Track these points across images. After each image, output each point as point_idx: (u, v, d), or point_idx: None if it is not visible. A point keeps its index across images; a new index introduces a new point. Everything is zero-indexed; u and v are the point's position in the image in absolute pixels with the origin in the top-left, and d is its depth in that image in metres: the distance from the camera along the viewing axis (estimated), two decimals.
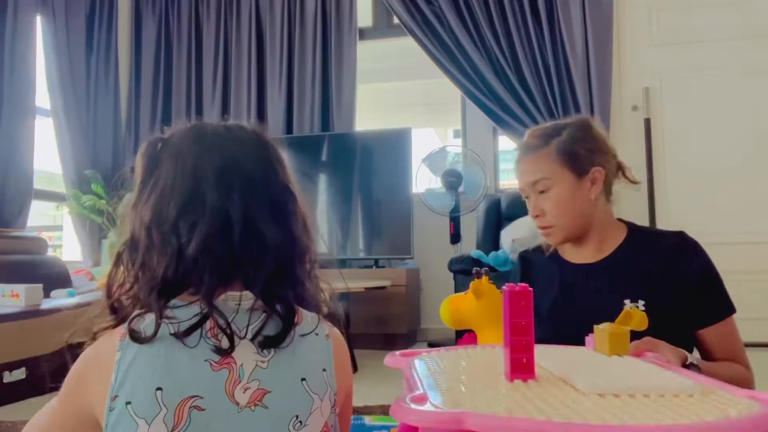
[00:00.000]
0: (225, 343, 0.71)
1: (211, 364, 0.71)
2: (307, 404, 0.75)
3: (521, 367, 0.74)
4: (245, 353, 0.73)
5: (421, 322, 4.09)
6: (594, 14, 3.73)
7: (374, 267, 3.93)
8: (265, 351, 0.74)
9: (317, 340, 0.81)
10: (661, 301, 1.13)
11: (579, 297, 1.24)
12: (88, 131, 4.31)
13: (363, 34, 4.43)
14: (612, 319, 0.92)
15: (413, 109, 7.34)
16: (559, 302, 1.25)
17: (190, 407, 0.69)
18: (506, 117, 3.86)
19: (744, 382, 1.11)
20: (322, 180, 4.12)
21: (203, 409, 0.69)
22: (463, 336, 3.15)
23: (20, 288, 2.73)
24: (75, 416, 0.74)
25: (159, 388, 0.68)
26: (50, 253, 3.79)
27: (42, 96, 4.05)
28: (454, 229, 3.90)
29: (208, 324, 0.72)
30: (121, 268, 0.78)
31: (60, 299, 3.03)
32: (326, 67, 4.32)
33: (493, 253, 3.24)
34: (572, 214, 1.23)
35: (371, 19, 4.52)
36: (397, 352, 0.98)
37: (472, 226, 3.83)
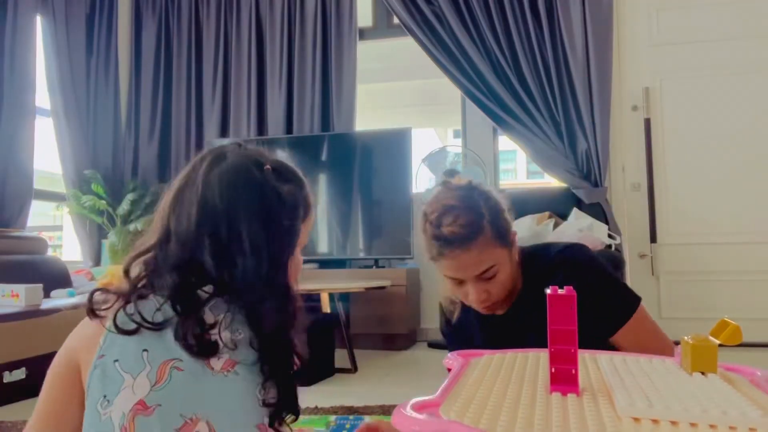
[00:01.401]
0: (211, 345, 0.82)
1: None
2: (259, 377, 0.85)
3: (562, 379, 0.67)
4: (223, 331, 0.84)
5: (421, 322, 4.09)
6: (594, 14, 3.72)
7: (374, 267, 3.93)
8: (234, 335, 0.84)
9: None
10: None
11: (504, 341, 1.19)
12: (88, 131, 4.31)
13: (363, 34, 4.43)
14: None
15: (413, 109, 7.34)
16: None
17: (171, 367, 0.80)
18: (506, 117, 3.85)
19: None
20: (322, 180, 4.12)
21: (182, 370, 0.80)
22: None
23: (20, 288, 2.73)
24: (66, 364, 0.85)
25: (145, 350, 0.80)
26: (50, 253, 3.79)
27: (42, 96, 4.05)
28: None
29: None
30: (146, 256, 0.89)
31: (60, 299, 3.03)
32: (326, 67, 4.32)
33: None
34: (510, 284, 1.24)
35: (371, 19, 4.52)
36: (458, 352, 0.94)
37: None
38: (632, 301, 1.22)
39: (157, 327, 0.81)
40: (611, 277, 1.25)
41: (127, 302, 0.83)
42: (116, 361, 0.80)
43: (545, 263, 1.27)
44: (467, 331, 1.24)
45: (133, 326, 0.81)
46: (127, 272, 0.87)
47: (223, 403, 0.81)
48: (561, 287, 1.07)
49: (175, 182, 0.91)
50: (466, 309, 1.33)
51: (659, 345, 1.19)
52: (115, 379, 0.79)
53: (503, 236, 1.20)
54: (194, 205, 0.87)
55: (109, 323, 0.82)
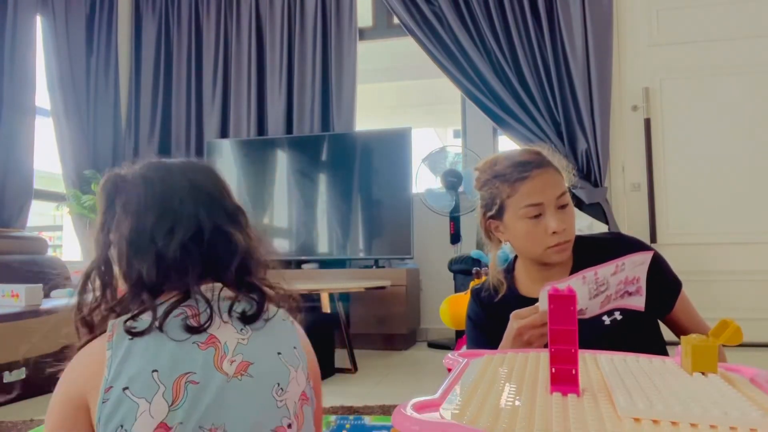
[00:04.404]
0: (203, 319, 0.83)
1: (198, 344, 0.81)
2: (285, 373, 0.87)
3: (563, 379, 0.67)
4: (227, 333, 0.84)
5: (421, 322, 4.09)
6: (594, 14, 3.73)
7: (374, 267, 3.93)
8: (243, 330, 0.86)
9: (283, 323, 0.94)
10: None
11: None
12: (88, 131, 4.31)
13: (363, 34, 4.43)
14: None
15: (413, 109, 7.34)
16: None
17: (185, 382, 0.78)
18: (506, 117, 3.85)
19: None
20: (322, 180, 4.12)
21: (197, 383, 0.78)
22: (464, 336, 3.15)
23: (20, 288, 2.73)
24: (69, 401, 0.82)
25: (155, 370, 0.77)
26: (50, 253, 3.79)
27: (42, 96, 4.04)
28: (454, 229, 3.90)
29: (189, 311, 0.84)
30: (91, 290, 0.90)
31: (60, 299, 3.03)
32: (326, 67, 4.32)
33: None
34: (574, 232, 1.25)
35: (371, 19, 4.52)
36: (459, 352, 0.94)
37: (472, 226, 3.83)
38: (678, 279, 1.30)
39: (166, 315, 0.81)
40: (663, 258, 1.30)
41: (128, 312, 0.84)
42: (126, 388, 0.77)
43: (596, 243, 1.30)
44: (502, 317, 1.17)
45: (145, 326, 0.80)
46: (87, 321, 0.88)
47: (239, 408, 0.80)
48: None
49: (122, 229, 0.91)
50: (509, 290, 1.31)
51: (701, 320, 1.28)
52: (129, 407, 0.76)
53: (565, 179, 1.26)
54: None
55: (117, 331, 0.81)
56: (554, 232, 1.19)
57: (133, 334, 0.80)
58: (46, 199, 4.47)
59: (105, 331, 0.83)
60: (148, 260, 0.85)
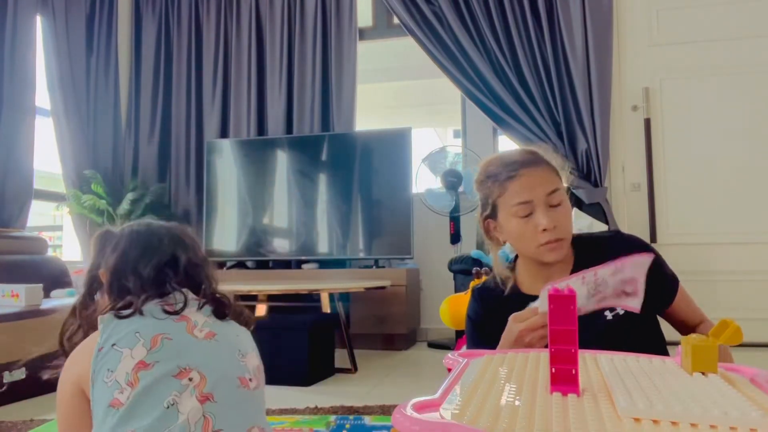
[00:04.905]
0: (179, 306, 1.07)
1: (173, 320, 1.05)
2: (245, 346, 1.11)
3: (563, 379, 0.67)
4: (196, 315, 1.09)
5: (421, 322, 4.09)
6: (594, 14, 3.73)
7: (374, 267, 3.93)
8: (209, 317, 1.10)
9: (238, 326, 1.17)
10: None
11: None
12: (88, 131, 4.31)
13: (363, 34, 4.43)
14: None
15: (413, 109, 7.34)
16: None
17: (162, 338, 1.00)
18: (506, 117, 3.85)
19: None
20: (322, 180, 4.12)
21: (171, 339, 1.01)
22: (464, 336, 3.15)
23: (20, 288, 2.73)
24: (72, 390, 1.04)
25: (137, 331, 1.00)
26: (50, 253, 3.79)
27: (42, 96, 4.05)
28: (454, 229, 3.90)
29: (165, 304, 1.07)
30: (74, 319, 1.16)
31: (60, 299, 3.03)
32: (326, 67, 4.32)
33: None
34: (572, 228, 1.26)
35: (371, 19, 4.52)
36: (459, 352, 0.94)
37: (472, 226, 3.83)
38: (675, 279, 1.32)
39: (141, 305, 1.05)
40: (659, 255, 1.30)
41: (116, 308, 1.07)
42: (114, 345, 0.99)
43: (596, 241, 1.32)
44: (503, 316, 1.16)
45: (129, 311, 1.03)
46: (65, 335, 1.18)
47: (209, 359, 1.01)
48: (615, 257, 1.07)
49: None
50: (509, 290, 1.31)
51: (698, 310, 1.30)
52: (114, 356, 0.97)
53: (561, 177, 1.28)
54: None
55: (107, 315, 1.04)
56: (544, 230, 1.19)
57: (120, 317, 1.02)
58: (46, 199, 4.47)
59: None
60: (131, 279, 1.10)
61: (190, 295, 1.11)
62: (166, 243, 1.16)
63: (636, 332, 1.20)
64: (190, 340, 1.03)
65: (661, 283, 1.26)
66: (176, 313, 1.06)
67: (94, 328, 1.05)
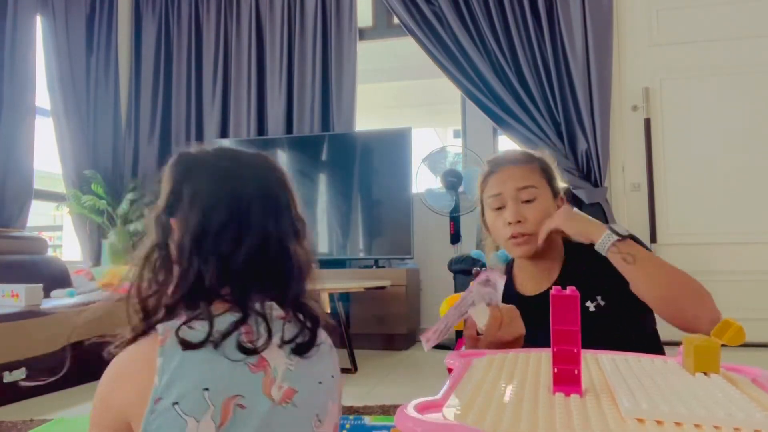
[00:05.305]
0: (260, 343, 0.79)
1: (249, 366, 0.78)
2: (324, 405, 0.85)
3: (565, 380, 0.66)
4: (276, 357, 0.81)
5: (421, 322, 4.09)
6: (594, 14, 3.73)
7: (374, 267, 3.93)
8: (291, 356, 0.82)
9: (326, 348, 0.90)
10: (613, 293, 1.20)
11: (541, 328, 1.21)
12: (88, 131, 4.31)
13: (363, 34, 4.43)
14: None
15: (413, 109, 7.34)
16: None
17: (234, 405, 0.75)
18: (506, 117, 3.86)
19: (681, 278, 1.10)
20: (322, 180, 4.12)
21: (245, 407, 0.76)
22: (463, 336, 3.15)
23: (20, 288, 2.73)
24: (110, 421, 0.79)
25: (206, 389, 0.74)
26: (50, 253, 3.79)
27: (42, 96, 4.04)
28: (454, 229, 3.90)
29: (244, 329, 0.79)
30: (147, 271, 0.84)
31: (60, 299, 3.03)
32: (326, 67, 4.32)
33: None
34: (542, 220, 1.27)
35: (371, 19, 4.52)
36: (459, 352, 0.94)
37: (472, 226, 3.83)
38: None
39: (223, 337, 0.77)
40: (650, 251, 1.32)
41: (187, 318, 0.79)
42: (175, 404, 0.73)
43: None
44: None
45: (200, 338, 0.76)
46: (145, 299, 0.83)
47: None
48: (605, 260, 1.10)
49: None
50: (506, 290, 1.33)
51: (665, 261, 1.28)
52: (175, 423, 0.73)
53: (551, 180, 1.31)
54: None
55: (171, 336, 0.77)
56: (510, 223, 1.24)
57: (187, 345, 0.76)
58: (46, 199, 4.47)
59: (145, 333, 0.79)
60: (211, 263, 0.82)
61: (275, 312, 0.84)
62: (259, 204, 0.86)
63: (620, 323, 1.20)
64: (266, 407, 0.77)
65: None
66: (255, 351, 0.78)
67: (172, 299, 0.82)
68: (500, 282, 1.03)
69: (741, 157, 3.63)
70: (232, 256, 0.82)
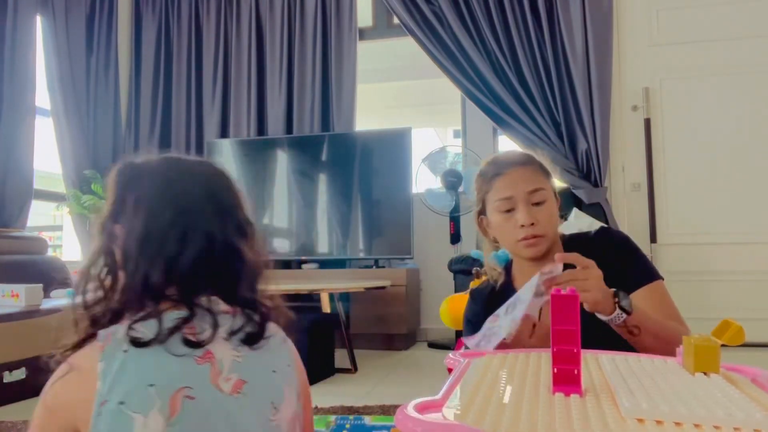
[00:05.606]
0: (204, 336, 0.80)
1: (195, 359, 0.79)
2: (279, 392, 0.85)
3: (565, 380, 0.66)
4: (223, 350, 0.82)
5: (421, 322, 4.09)
6: (594, 14, 3.73)
7: (374, 267, 3.93)
8: (239, 348, 0.84)
9: (278, 341, 0.92)
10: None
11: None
12: (88, 131, 4.31)
13: (363, 34, 4.43)
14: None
15: (413, 109, 7.34)
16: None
17: (183, 397, 0.76)
18: (506, 117, 3.85)
19: (677, 336, 1.11)
20: (322, 180, 4.12)
21: (194, 398, 0.76)
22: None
23: (20, 288, 2.73)
24: (56, 428, 0.80)
25: (151, 385, 0.75)
26: (50, 253, 3.79)
27: (42, 96, 4.04)
28: (454, 229, 3.90)
29: (188, 325, 0.81)
30: (93, 279, 0.87)
31: (60, 299, 3.03)
32: (326, 67, 4.32)
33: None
34: (556, 227, 1.31)
35: (371, 19, 4.52)
36: (459, 352, 0.94)
37: (472, 226, 3.81)
38: (654, 272, 1.30)
39: (170, 333, 0.78)
40: (640, 251, 1.34)
41: (133, 320, 0.80)
42: (122, 403, 0.74)
43: (585, 239, 1.36)
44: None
45: (150, 336, 0.78)
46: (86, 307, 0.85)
47: (234, 426, 0.79)
48: (600, 257, 1.12)
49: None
50: (505, 284, 1.36)
51: (677, 315, 1.27)
52: (123, 422, 0.74)
53: (550, 178, 1.33)
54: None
55: (112, 340, 0.78)
56: (522, 225, 1.25)
57: (136, 343, 0.77)
58: (46, 199, 4.47)
59: (93, 337, 0.80)
60: (157, 264, 0.83)
61: (220, 307, 0.85)
62: (203, 207, 0.88)
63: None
64: (216, 398, 0.78)
65: (629, 271, 1.28)
66: (199, 344, 0.80)
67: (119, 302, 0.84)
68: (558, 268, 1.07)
69: (741, 157, 3.63)
70: (177, 258, 0.84)
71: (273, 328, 0.91)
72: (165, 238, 0.84)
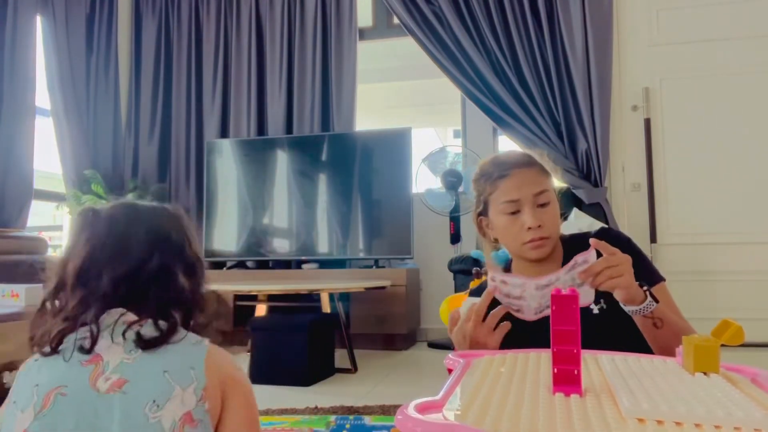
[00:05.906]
0: (87, 344, 0.89)
1: (81, 363, 0.88)
2: (165, 391, 0.88)
3: (565, 380, 0.66)
4: (113, 353, 0.89)
5: (421, 322, 4.09)
6: (594, 14, 3.73)
7: (374, 267, 3.93)
8: (132, 351, 0.90)
9: (186, 346, 0.95)
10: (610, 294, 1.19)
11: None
12: (88, 131, 4.31)
13: (363, 34, 4.43)
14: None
15: (413, 109, 7.34)
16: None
17: (56, 394, 0.85)
18: (506, 117, 3.85)
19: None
20: (322, 180, 4.12)
21: (65, 395, 0.85)
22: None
23: (20, 288, 2.73)
24: None
25: (36, 385, 0.86)
26: (50, 253, 3.79)
27: (42, 96, 4.04)
28: (454, 229, 3.90)
29: (80, 334, 0.90)
30: (46, 311, 0.97)
31: None
32: (326, 67, 4.32)
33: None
34: (559, 228, 1.31)
35: (371, 19, 4.52)
36: (458, 352, 0.94)
37: (472, 226, 3.82)
38: (657, 274, 1.30)
39: (56, 345, 0.90)
40: (643, 253, 1.33)
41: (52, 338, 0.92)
42: (15, 402, 0.87)
43: (585, 239, 1.33)
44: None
45: (50, 347, 0.90)
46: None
47: (105, 420, 0.84)
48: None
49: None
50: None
51: (681, 315, 1.26)
52: (12, 417, 0.86)
53: (551, 179, 1.32)
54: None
55: (27, 361, 0.93)
56: (529, 228, 1.25)
57: (42, 354, 0.90)
58: (46, 199, 4.47)
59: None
60: (80, 291, 0.93)
61: (127, 317, 0.93)
62: (141, 242, 0.98)
63: (622, 325, 1.20)
64: (88, 396, 0.85)
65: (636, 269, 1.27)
66: (88, 350, 0.88)
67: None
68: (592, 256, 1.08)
69: (741, 157, 3.63)
70: (99, 281, 0.93)
71: (180, 336, 0.95)
72: (101, 271, 0.94)
